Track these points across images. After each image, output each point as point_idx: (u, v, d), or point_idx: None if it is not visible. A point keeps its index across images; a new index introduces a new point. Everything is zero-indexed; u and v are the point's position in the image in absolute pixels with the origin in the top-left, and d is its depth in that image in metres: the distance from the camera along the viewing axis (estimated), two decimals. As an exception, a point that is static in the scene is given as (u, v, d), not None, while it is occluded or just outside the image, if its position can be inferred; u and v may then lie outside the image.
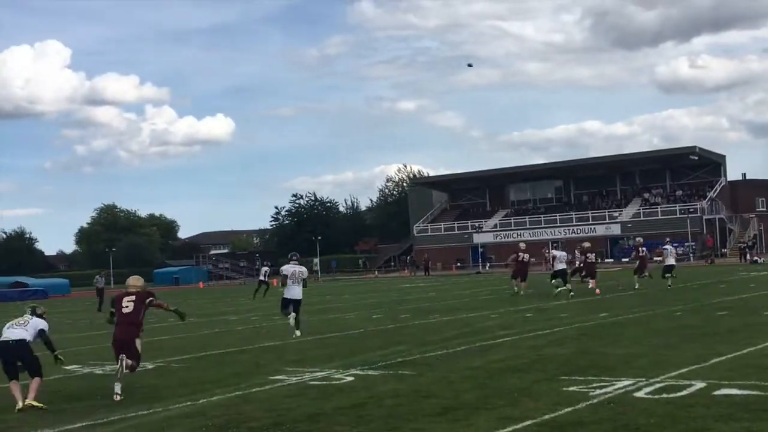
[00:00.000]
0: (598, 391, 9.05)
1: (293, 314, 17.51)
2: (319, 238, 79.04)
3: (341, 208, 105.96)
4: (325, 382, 10.89)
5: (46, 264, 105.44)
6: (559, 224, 73.56)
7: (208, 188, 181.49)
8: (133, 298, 11.29)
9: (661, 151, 77.20)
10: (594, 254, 28.36)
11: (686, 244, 64.57)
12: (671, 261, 28.64)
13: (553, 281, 26.78)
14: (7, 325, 10.69)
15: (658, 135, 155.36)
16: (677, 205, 70.01)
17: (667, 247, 29.32)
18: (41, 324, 10.79)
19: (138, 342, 11.11)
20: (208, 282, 76.64)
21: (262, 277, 40.28)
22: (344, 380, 11.00)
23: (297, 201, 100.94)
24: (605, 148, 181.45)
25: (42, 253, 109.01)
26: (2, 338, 10.47)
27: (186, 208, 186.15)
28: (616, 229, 70.94)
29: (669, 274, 28.16)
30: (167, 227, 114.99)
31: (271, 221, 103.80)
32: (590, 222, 72.42)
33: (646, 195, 75.03)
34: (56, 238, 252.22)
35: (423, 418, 8.22)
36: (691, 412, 7.83)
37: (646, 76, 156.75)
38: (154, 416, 9.16)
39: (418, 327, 18.55)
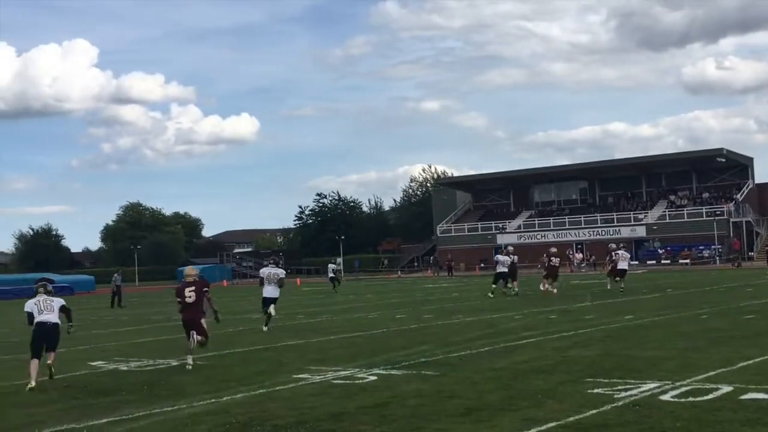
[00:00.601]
0: (623, 394, 8.99)
1: (271, 314, 19.48)
2: (343, 237, 79.11)
3: (365, 208, 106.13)
4: (348, 381, 10.90)
5: (72, 261, 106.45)
6: (583, 226, 73.19)
7: (233, 187, 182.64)
8: (194, 288, 13.54)
9: (688, 153, 76.55)
10: (558, 259, 30.54)
11: (713, 247, 64.04)
12: (624, 265, 30.55)
13: (494, 286, 29.70)
14: (35, 308, 12.31)
15: (684, 137, 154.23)
16: (704, 207, 69.40)
17: (620, 252, 31.07)
18: (60, 301, 12.69)
19: (204, 321, 13.69)
20: (231, 280, 76.97)
21: (331, 274, 44.04)
22: (367, 380, 10.99)
23: (321, 200, 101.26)
24: (630, 150, 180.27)
25: (68, 249, 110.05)
26: (39, 320, 12.18)
27: (210, 206, 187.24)
28: (641, 231, 70.45)
29: (620, 278, 30.31)
30: (192, 225, 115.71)
31: (294, 220, 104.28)
32: (615, 224, 71.97)
33: (672, 197, 74.45)
34: (82, 235, 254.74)
35: (446, 419, 8.20)
36: (718, 415, 7.75)
37: (672, 77, 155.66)
38: (178, 413, 9.20)
39: (441, 327, 18.52)
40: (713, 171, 73.50)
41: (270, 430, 8.06)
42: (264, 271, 19.91)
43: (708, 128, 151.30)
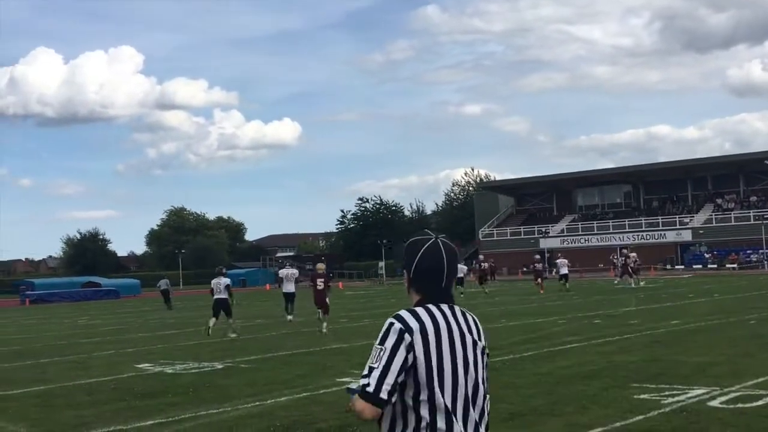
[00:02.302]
0: (670, 400, 8.88)
1: (290, 316, 23.84)
2: (385, 241, 79.15)
3: (407, 212, 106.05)
4: (391, 385, 10.88)
5: (118, 265, 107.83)
6: (627, 230, 72.38)
7: (275, 191, 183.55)
8: (323, 279, 20.49)
9: (735, 156, 75.36)
10: (540, 264, 38.24)
11: (761, 251, 62.91)
12: (564, 271, 37.19)
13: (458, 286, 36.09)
14: (216, 289, 20.11)
15: (730, 139, 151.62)
16: (751, 211, 68.25)
17: (558, 261, 38.53)
18: (226, 281, 20.25)
19: (327, 299, 20.20)
20: (274, 284, 77.36)
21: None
22: (411, 383, 10.97)
23: (363, 204, 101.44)
24: (675, 153, 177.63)
25: (114, 254, 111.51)
26: (216, 297, 20.04)
27: (253, 210, 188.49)
28: (686, 236, 69.46)
29: (564, 281, 36.73)
30: (235, 229, 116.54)
31: (337, 224, 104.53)
32: (660, 228, 71.08)
33: (719, 201, 73.32)
34: (128, 240, 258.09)
35: (490, 423, 8.15)
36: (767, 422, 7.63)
37: (717, 79, 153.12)
38: (223, 415, 9.28)
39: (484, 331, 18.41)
40: (761, 174, 72.18)
41: (314, 434, 8.09)
42: (283, 272, 25.72)
43: (755, 130, 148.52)
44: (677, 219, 71.52)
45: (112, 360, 15.82)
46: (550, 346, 14.72)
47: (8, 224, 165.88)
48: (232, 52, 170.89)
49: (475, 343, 2.96)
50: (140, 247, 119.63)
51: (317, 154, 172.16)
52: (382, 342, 2.90)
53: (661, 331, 16.73)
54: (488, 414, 3.01)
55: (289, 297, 24.35)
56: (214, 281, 20.29)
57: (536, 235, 76.66)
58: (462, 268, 36.62)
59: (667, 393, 9.27)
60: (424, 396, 2.84)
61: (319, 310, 20.35)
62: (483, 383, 2.97)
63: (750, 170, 72.45)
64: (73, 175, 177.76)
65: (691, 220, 70.86)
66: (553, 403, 9.05)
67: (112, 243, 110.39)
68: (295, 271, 25.88)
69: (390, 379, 2.82)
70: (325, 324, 19.71)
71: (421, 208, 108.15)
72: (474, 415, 2.92)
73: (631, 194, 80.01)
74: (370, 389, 2.82)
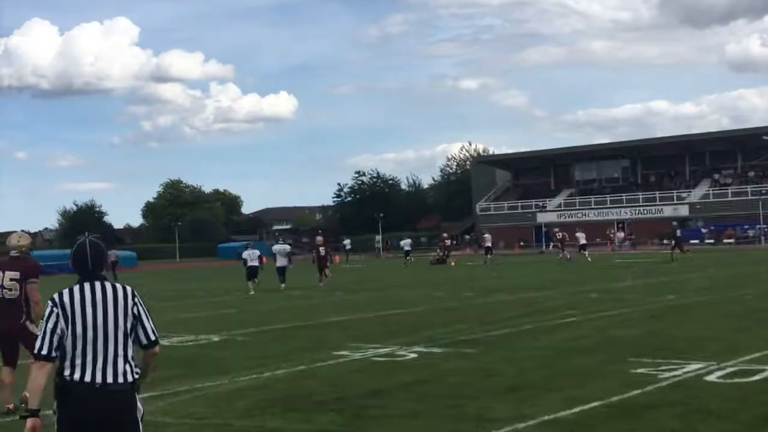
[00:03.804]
0: (667, 374, 8.86)
1: (283, 285, 26.39)
2: (381, 215, 79.04)
3: (403, 186, 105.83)
4: (388, 359, 10.88)
5: (114, 237, 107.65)
6: (625, 204, 72.35)
7: (272, 165, 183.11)
8: (323, 248, 26.50)
9: (733, 131, 75.18)
10: (449, 240, 49.13)
11: (758, 226, 62.92)
12: (488, 243, 43.21)
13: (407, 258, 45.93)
14: (248, 257, 26.13)
15: (728, 115, 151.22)
16: (749, 186, 68.21)
17: (486, 235, 44.67)
18: (258, 252, 26.65)
19: (328, 263, 26.87)
20: (268, 256, 77.27)
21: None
22: (407, 357, 10.97)
23: (359, 178, 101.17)
24: (672, 129, 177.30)
25: (111, 226, 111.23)
26: (250, 265, 25.82)
27: (250, 184, 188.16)
28: (684, 211, 69.39)
29: (490, 255, 42.30)
30: (231, 202, 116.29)
31: (333, 198, 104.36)
32: (657, 203, 71.04)
33: (716, 176, 73.24)
34: (124, 212, 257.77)
35: (487, 397, 8.14)
36: (765, 397, 7.61)
37: (715, 54, 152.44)
38: (220, 388, 9.25)
39: (481, 305, 18.44)
40: (759, 149, 71.93)
41: (310, 407, 8.06)
42: (276, 248, 28.14)
43: (753, 106, 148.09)
44: (675, 194, 71.46)
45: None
46: (548, 320, 14.71)
47: (4, 197, 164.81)
48: (229, 24, 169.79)
49: (115, 306, 4.29)
50: (137, 220, 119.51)
51: (314, 128, 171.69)
52: (44, 316, 4.24)
53: (657, 305, 16.74)
54: (131, 355, 4.49)
55: (281, 270, 26.73)
56: (246, 252, 25.76)
57: (533, 210, 76.63)
58: (406, 242, 48.96)
59: (664, 368, 9.25)
60: (69, 346, 4.17)
61: (320, 274, 26.23)
62: (120, 333, 4.33)
63: (748, 146, 72.28)
64: (68, 147, 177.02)
65: (688, 195, 70.83)
66: (551, 377, 9.03)
67: (108, 215, 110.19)
68: (287, 247, 28.64)
69: (48, 339, 4.16)
70: (322, 284, 25.86)
71: (417, 182, 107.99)
72: (110, 356, 4.27)
73: (629, 169, 79.82)
74: (36, 350, 4.19)
